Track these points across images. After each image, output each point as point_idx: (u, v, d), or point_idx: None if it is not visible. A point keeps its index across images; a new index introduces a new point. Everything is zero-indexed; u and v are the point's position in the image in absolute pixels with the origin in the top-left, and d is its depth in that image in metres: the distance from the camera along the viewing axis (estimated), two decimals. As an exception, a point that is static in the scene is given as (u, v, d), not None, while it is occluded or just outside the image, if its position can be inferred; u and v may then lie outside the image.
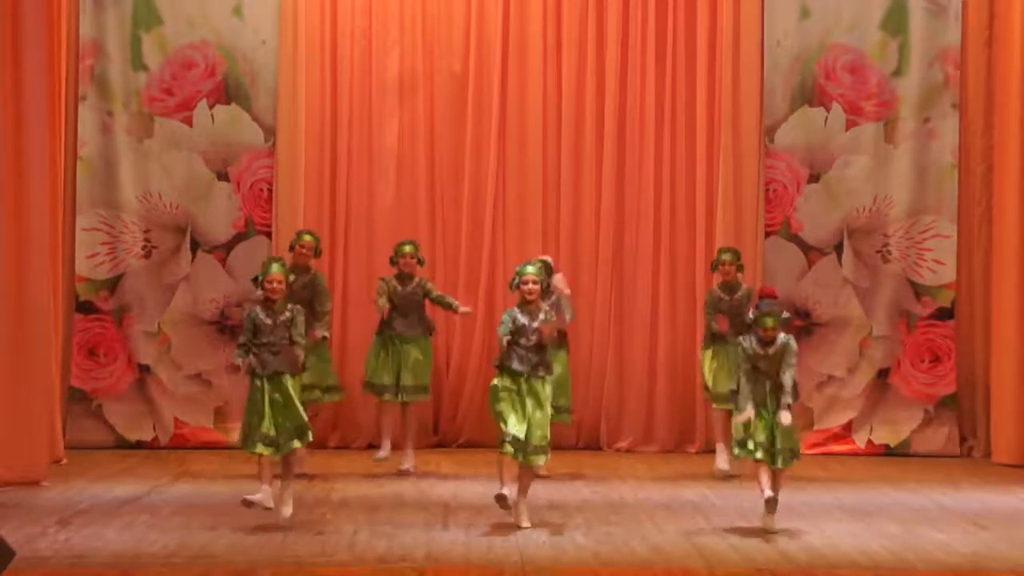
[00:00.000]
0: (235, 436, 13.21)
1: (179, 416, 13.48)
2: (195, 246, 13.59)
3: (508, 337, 9.74)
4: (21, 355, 11.11)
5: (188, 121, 13.56)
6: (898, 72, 13.76)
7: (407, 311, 12.10)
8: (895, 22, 13.76)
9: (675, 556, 8.91)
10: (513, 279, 9.97)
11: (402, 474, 11.91)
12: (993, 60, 13.61)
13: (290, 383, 9.90)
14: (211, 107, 13.59)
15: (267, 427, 9.76)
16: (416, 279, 12.18)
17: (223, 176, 13.62)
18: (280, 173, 13.55)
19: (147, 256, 13.55)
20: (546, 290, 10.40)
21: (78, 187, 13.45)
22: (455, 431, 13.71)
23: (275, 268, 9.92)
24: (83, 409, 13.39)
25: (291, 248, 12.13)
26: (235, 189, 13.63)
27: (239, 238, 13.63)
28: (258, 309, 9.88)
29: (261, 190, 13.64)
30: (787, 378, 9.69)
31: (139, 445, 13.37)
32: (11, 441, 11.00)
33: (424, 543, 9.15)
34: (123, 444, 13.36)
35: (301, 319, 9.97)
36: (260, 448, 9.77)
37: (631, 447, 13.73)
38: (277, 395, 9.81)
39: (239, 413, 13.09)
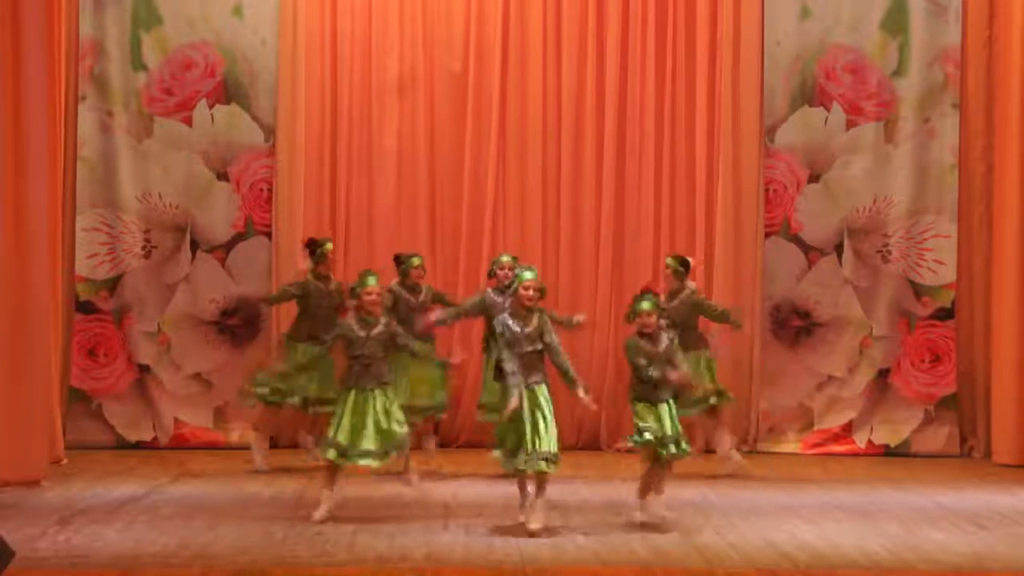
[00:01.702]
0: (235, 436, 13.29)
1: (179, 416, 13.47)
2: (195, 246, 13.57)
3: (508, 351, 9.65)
4: (21, 355, 11.10)
5: (188, 121, 13.55)
6: (898, 72, 13.76)
7: (416, 322, 11.87)
8: (895, 22, 13.76)
9: (675, 556, 8.90)
10: (512, 281, 9.91)
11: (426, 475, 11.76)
12: (993, 60, 13.60)
13: (385, 396, 9.83)
14: (211, 107, 13.58)
15: (344, 438, 9.72)
16: (424, 288, 12.18)
17: (223, 176, 13.61)
18: (280, 173, 13.55)
19: (147, 256, 13.54)
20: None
21: (78, 187, 13.44)
22: (455, 431, 13.70)
23: (371, 281, 9.89)
24: (83, 409, 13.38)
25: (320, 259, 12.15)
26: (235, 189, 13.62)
27: (239, 238, 13.62)
28: (352, 322, 9.87)
29: (261, 190, 13.63)
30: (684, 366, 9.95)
31: (139, 445, 13.36)
32: (11, 441, 10.98)
33: (424, 543, 9.14)
34: (123, 444, 13.35)
35: (400, 329, 10.05)
36: (332, 455, 9.78)
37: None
38: (376, 409, 9.78)
39: (239, 413, 13.16)
